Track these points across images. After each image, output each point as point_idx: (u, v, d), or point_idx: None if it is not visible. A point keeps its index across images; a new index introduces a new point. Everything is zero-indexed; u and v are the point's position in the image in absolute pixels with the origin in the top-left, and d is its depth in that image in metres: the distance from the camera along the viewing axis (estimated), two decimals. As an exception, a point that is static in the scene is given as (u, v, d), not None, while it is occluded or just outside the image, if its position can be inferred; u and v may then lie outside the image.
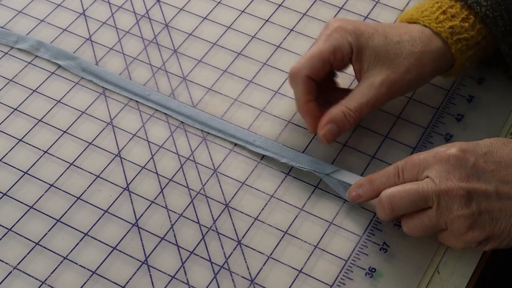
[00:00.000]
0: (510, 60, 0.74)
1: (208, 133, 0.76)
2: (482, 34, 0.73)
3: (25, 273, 0.67)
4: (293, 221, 0.70)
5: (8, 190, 0.72)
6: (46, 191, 0.72)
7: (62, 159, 0.75)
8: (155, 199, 0.72)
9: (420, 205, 0.64)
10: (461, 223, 0.63)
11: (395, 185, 0.67)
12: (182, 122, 0.77)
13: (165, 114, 0.78)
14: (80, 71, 0.81)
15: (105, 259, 0.68)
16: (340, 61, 0.72)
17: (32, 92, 0.80)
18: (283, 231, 0.70)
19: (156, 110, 0.78)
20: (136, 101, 0.79)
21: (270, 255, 0.68)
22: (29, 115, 0.78)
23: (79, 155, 0.75)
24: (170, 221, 0.70)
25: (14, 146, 0.76)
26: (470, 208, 0.63)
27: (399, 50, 0.71)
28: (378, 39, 0.72)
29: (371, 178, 0.69)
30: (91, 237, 0.69)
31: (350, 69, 0.75)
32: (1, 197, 0.72)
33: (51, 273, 0.67)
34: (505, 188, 0.63)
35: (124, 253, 0.69)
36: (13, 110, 0.78)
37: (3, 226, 0.70)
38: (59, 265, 0.68)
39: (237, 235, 0.70)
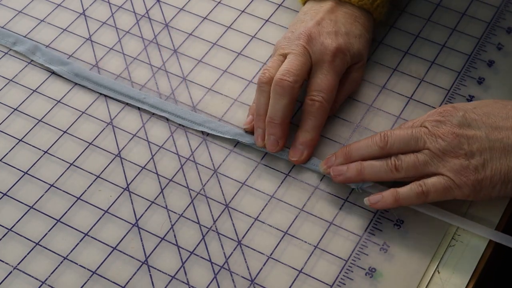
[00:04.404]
0: None
1: (208, 133, 0.76)
2: None
3: (25, 273, 0.67)
4: (293, 221, 0.70)
5: (8, 190, 0.72)
6: (46, 191, 0.72)
7: (62, 159, 0.75)
8: (155, 199, 0.72)
9: (411, 145, 0.68)
10: (455, 163, 0.66)
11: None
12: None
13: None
14: (73, 76, 0.80)
15: (105, 259, 0.68)
16: None
17: (32, 92, 0.80)
18: (283, 231, 0.70)
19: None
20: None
21: (270, 255, 0.68)
22: (29, 115, 0.78)
23: (79, 155, 0.75)
24: (170, 221, 0.70)
25: (14, 146, 0.76)
26: (463, 149, 0.67)
27: (363, 47, 0.78)
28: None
29: (352, 144, 0.72)
30: (91, 237, 0.69)
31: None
32: (1, 197, 0.72)
33: (51, 273, 0.67)
34: (494, 132, 0.67)
35: (124, 253, 0.69)
36: (13, 110, 0.78)
37: (3, 226, 0.70)
38: (59, 265, 0.68)
39: (237, 235, 0.70)
